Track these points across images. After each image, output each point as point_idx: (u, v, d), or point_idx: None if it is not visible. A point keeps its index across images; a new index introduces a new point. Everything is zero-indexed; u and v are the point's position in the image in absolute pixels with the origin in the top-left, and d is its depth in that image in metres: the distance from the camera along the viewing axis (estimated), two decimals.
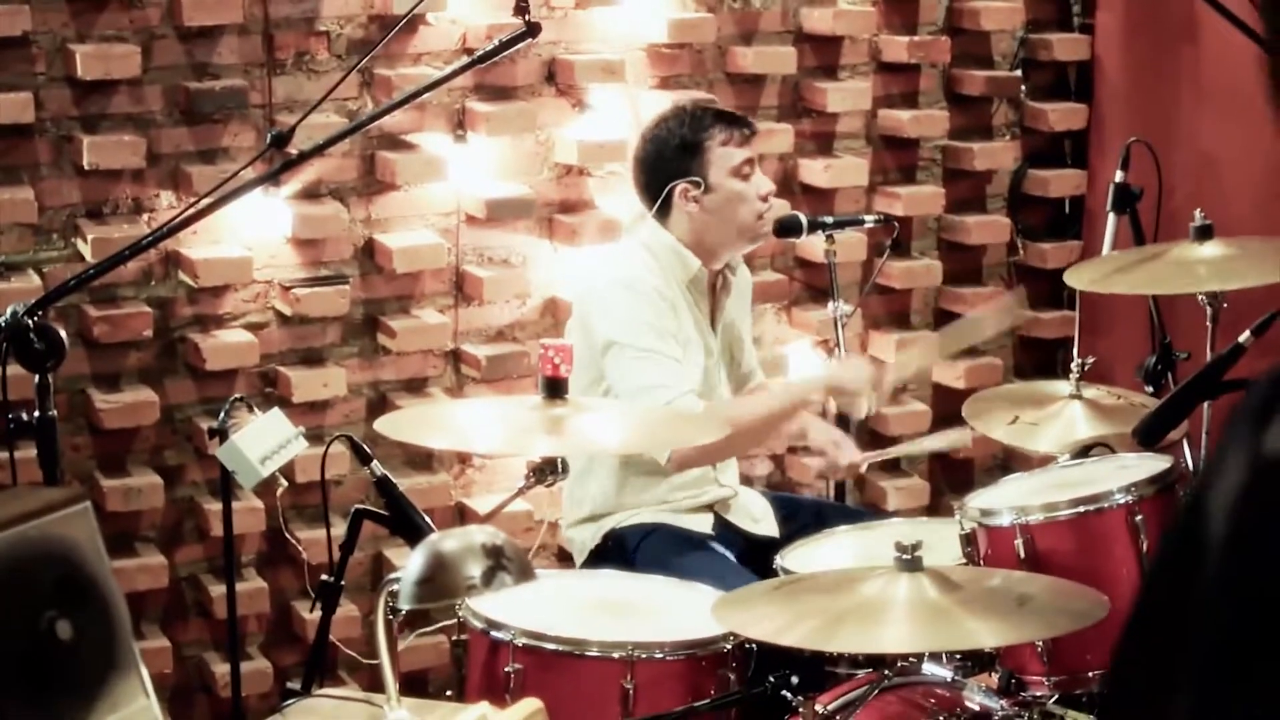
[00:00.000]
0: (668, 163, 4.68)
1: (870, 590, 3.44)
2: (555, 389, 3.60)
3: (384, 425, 3.73)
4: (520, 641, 3.67)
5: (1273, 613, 1.33)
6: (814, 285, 5.81)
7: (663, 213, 4.68)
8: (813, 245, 5.42)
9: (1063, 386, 4.65)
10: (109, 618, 2.44)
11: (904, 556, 3.45)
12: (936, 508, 6.00)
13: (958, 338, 5.28)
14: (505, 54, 3.78)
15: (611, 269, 4.73)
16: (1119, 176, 4.93)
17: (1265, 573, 1.33)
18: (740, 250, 4.79)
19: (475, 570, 2.71)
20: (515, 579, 2.76)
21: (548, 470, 3.65)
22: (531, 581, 2.82)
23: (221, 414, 3.95)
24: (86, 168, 4.74)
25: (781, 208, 5.49)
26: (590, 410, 3.76)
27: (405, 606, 2.82)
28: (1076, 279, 4.54)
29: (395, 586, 3.19)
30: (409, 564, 2.77)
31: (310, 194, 5.04)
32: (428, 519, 3.81)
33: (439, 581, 2.72)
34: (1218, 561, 1.36)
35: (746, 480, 5.11)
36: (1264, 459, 1.34)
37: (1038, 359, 6.30)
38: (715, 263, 4.74)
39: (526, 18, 3.64)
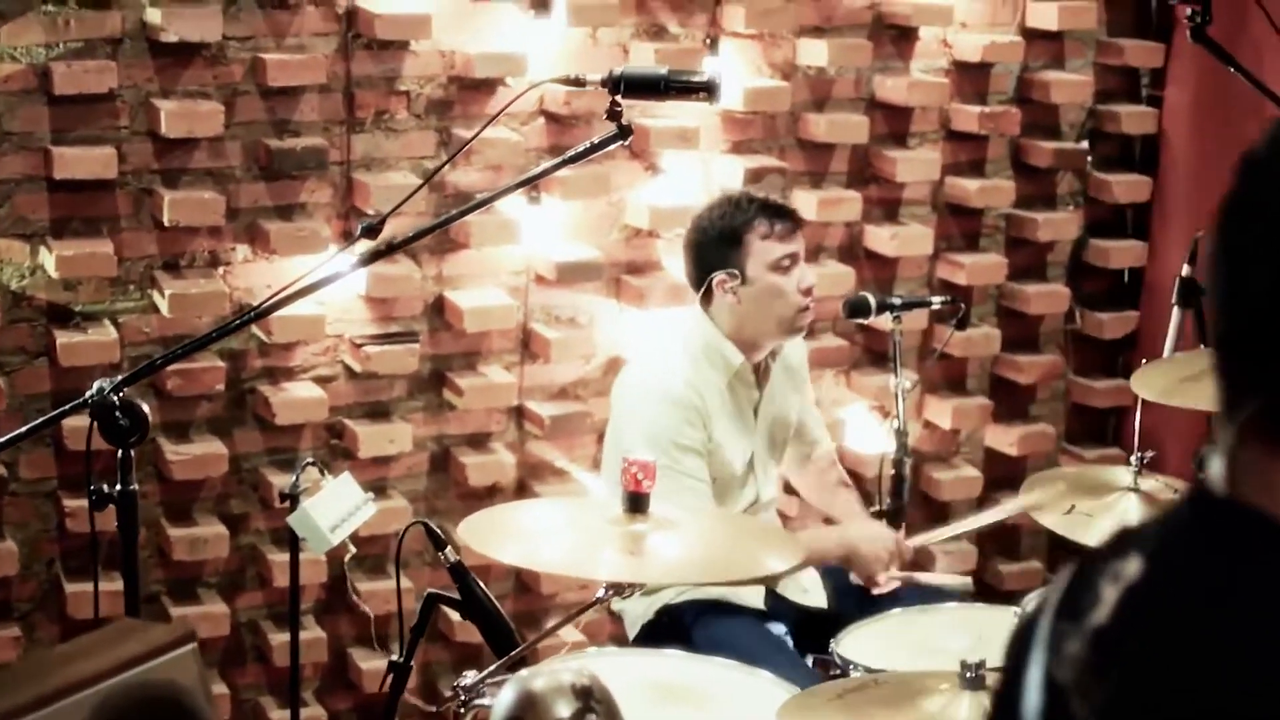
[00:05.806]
0: (709, 252, 4.74)
1: (933, 708, 3.48)
2: (637, 504, 3.63)
3: (465, 531, 3.75)
4: None
5: None
6: (874, 349, 5.84)
7: (706, 300, 4.74)
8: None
9: (1122, 475, 4.61)
10: None
11: (969, 675, 3.48)
12: (983, 570, 6.04)
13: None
14: (596, 154, 3.80)
15: (647, 372, 4.81)
16: (1185, 270, 4.91)
17: None
18: (781, 342, 4.81)
19: (565, 711, 2.75)
20: None
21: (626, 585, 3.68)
22: None
23: (294, 478, 3.96)
24: (166, 224, 4.78)
25: (847, 276, 5.55)
26: (670, 527, 3.77)
27: None
28: (1145, 387, 4.51)
29: (462, 687, 3.25)
30: (498, 700, 2.82)
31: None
32: (499, 606, 3.85)
33: None
34: None
35: None
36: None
37: (1091, 426, 6.32)
38: (757, 354, 4.78)
39: (621, 122, 3.67)
